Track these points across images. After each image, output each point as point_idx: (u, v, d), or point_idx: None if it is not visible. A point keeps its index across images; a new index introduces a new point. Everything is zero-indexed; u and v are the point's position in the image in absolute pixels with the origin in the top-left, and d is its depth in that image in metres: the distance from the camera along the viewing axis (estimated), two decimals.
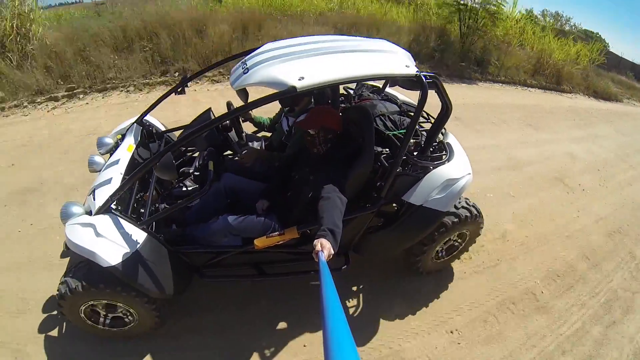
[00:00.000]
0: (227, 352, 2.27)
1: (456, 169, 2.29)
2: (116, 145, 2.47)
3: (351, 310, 2.58)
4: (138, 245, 1.89)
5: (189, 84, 2.42)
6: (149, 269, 1.91)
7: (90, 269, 1.89)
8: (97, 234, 1.82)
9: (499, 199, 4.07)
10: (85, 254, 1.80)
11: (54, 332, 2.25)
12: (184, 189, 2.52)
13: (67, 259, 2.56)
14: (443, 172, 2.25)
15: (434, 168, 2.26)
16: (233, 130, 2.62)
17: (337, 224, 1.68)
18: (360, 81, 2.62)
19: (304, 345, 2.33)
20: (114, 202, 1.94)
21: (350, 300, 2.65)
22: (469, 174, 2.34)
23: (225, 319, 2.43)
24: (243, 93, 2.13)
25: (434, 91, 2.02)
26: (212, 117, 2.53)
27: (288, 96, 1.72)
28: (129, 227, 1.91)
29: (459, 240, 2.70)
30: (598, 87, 9.86)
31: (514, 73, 8.61)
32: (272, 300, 2.55)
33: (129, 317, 2.10)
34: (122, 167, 2.24)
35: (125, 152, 2.36)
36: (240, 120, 2.82)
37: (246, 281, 2.42)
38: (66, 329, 2.26)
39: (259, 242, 2.04)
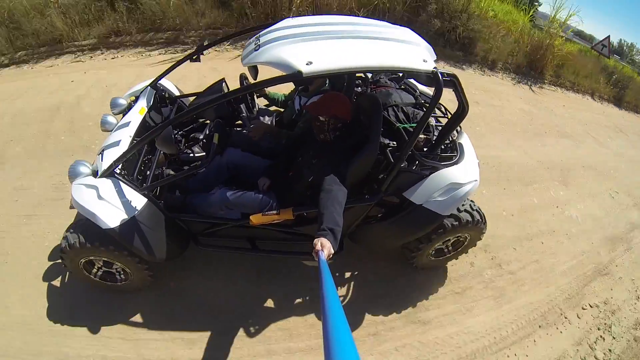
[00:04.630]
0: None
1: (463, 173, 2.21)
2: (129, 107, 2.51)
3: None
4: (137, 211, 1.97)
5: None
6: (145, 233, 2.01)
7: (88, 227, 2.00)
8: (100, 197, 1.91)
9: None
10: (87, 214, 1.90)
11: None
12: (192, 155, 2.57)
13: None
14: (449, 174, 2.18)
15: (440, 168, 2.18)
16: (244, 103, 2.60)
17: (337, 222, 1.68)
18: (370, 72, 2.50)
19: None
20: (119, 166, 2.01)
21: (340, 288, 2.71)
22: (476, 180, 2.25)
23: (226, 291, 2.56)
24: (253, 69, 2.10)
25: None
26: (225, 89, 2.51)
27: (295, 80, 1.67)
28: (130, 192, 1.99)
29: (460, 240, 2.65)
30: None
31: None
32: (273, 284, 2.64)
33: (123, 274, 2.25)
34: (132, 130, 2.30)
35: (137, 114, 2.40)
36: (255, 95, 2.79)
37: (239, 253, 2.50)
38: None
39: (255, 219, 2.10)
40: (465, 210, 2.41)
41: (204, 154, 2.53)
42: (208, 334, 2.33)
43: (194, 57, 2.37)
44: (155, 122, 2.54)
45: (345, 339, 0.75)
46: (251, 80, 2.52)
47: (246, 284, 2.59)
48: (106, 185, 1.96)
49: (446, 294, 2.80)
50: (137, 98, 2.55)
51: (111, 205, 1.91)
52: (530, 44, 7.01)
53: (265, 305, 2.52)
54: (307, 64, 1.64)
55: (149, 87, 2.55)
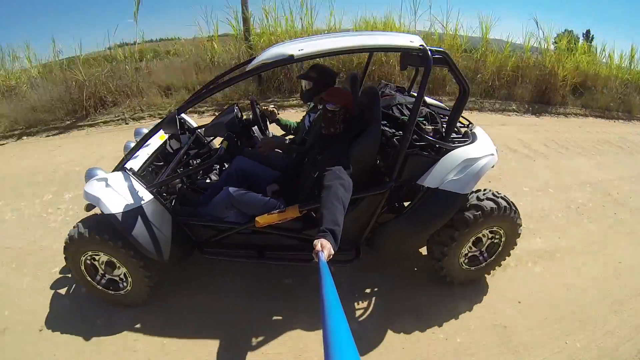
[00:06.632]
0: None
1: (477, 150, 2.07)
2: None
3: (358, 313, 2.28)
4: (142, 204, 1.98)
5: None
6: (148, 227, 1.96)
7: (93, 220, 2.02)
8: (107, 185, 1.97)
9: None
10: (92, 200, 1.94)
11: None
12: (208, 181, 2.65)
13: None
14: (462, 152, 2.05)
15: (452, 150, 2.06)
16: (257, 125, 2.76)
17: (337, 222, 1.60)
18: (357, 52, 2.54)
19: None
20: (136, 171, 2.12)
21: (360, 302, 2.35)
22: (492, 154, 2.09)
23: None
24: (258, 79, 2.31)
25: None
26: (236, 111, 2.71)
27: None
28: (138, 187, 2.04)
29: (495, 240, 2.30)
30: None
31: None
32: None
33: (124, 282, 2.15)
34: (150, 149, 2.47)
35: (157, 139, 2.60)
36: (268, 122, 2.96)
37: (246, 262, 2.32)
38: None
39: (260, 219, 2.02)
40: (488, 199, 2.15)
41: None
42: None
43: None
44: (173, 149, 2.72)
45: (345, 341, 0.73)
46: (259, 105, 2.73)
47: (250, 298, 2.37)
48: (116, 177, 2.03)
49: None
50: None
51: (117, 194, 1.95)
52: None
53: (270, 319, 2.24)
54: (299, 50, 1.82)
55: None
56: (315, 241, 1.46)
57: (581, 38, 7.79)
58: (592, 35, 8.07)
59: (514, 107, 5.72)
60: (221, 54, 5.85)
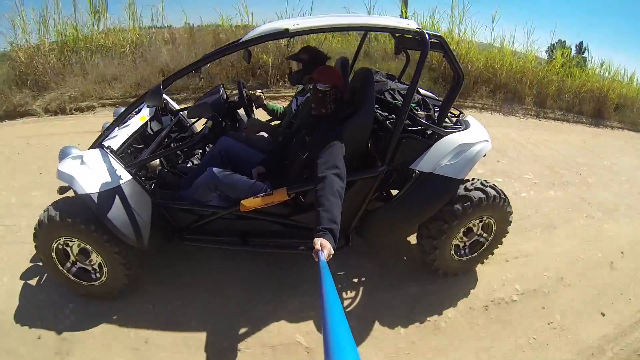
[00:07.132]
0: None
1: (471, 136, 2.04)
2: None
3: (354, 306, 2.23)
4: (120, 184, 1.85)
5: None
6: (126, 209, 1.84)
7: (65, 202, 1.87)
8: (82, 163, 1.83)
9: None
10: (66, 179, 1.79)
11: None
12: (190, 165, 2.52)
13: None
14: (456, 138, 2.02)
15: (445, 135, 2.03)
16: (242, 107, 2.66)
17: (335, 219, 1.55)
18: (354, 29, 2.46)
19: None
20: (110, 145, 1.97)
21: (348, 292, 2.29)
22: (487, 140, 2.07)
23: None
24: (247, 53, 2.21)
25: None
26: (222, 92, 2.60)
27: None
28: (116, 166, 1.90)
29: (484, 235, 2.28)
30: None
31: None
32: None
33: (98, 273, 2.00)
34: (130, 130, 2.32)
35: (138, 120, 2.46)
36: (254, 106, 2.85)
37: (229, 250, 2.22)
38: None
39: (246, 202, 1.92)
40: (476, 188, 2.13)
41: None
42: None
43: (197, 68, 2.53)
44: (154, 131, 2.57)
45: (346, 341, 0.73)
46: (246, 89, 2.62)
47: (233, 287, 2.26)
48: (92, 155, 1.89)
49: None
50: (140, 109, 2.64)
51: (93, 172, 1.80)
52: None
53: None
54: (294, 25, 1.74)
55: None
56: (315, 240, 1.44)
57: (573, 49, 8.06)
58: (585, 48, 8.33)
59: (584, 120, 6.92)
60: None
